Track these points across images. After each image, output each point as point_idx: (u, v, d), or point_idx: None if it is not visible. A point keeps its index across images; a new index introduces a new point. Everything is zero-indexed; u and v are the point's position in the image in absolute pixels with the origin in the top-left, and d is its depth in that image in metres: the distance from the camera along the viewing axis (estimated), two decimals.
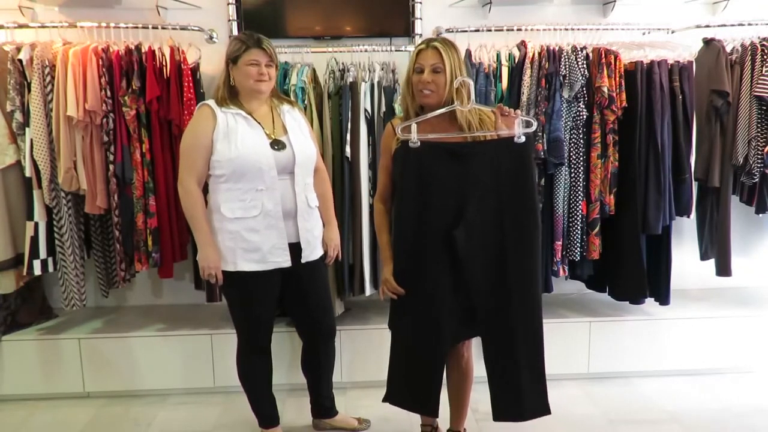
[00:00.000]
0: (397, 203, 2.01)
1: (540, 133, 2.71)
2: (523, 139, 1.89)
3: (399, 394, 2.12)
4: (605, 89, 2.70)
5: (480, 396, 2.41)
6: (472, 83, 1.93)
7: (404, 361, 2.06)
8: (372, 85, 2.78)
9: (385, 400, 2.14)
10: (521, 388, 1.99)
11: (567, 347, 2.93)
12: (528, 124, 1.92)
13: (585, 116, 2.77)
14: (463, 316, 2.00)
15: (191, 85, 2.72)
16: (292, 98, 2.69)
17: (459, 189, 1.90)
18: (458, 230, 1.89)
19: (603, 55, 2.73)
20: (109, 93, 2.65)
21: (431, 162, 1.90)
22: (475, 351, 2.23)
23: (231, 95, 2.19)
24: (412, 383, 2.07)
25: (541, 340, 2.01)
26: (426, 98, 1.92)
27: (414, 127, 1.89)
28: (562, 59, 2.74)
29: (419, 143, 1.88)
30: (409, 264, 1.97)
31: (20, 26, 2.79)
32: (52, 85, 2.62)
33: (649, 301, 2.94)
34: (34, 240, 2.68)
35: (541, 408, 2.05)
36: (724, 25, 2.94)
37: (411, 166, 1.92)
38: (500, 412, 2.04)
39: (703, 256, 3.12)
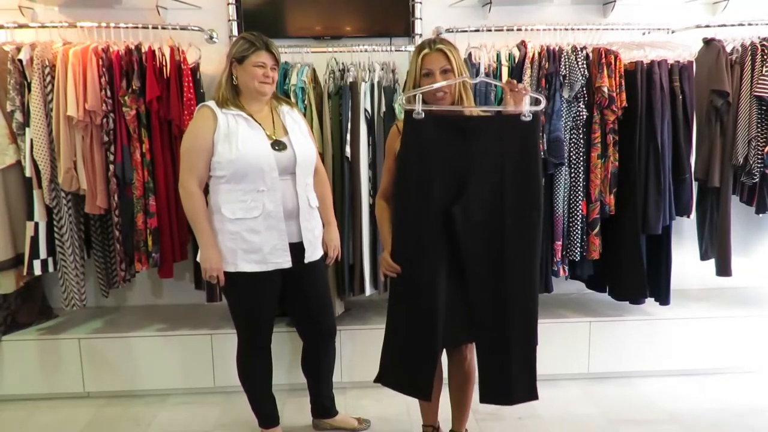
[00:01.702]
0: (397, 178, 1.96)
1: (540, 133, 2.71)
2: (530, 117, 1.86)
3: (391, 374, 2.06)
4: (605, 89, 2.70)
5: None
6: (471, 82, 1.96)
7: (400, 337, 2.01)
8: (372, 85, 2.78)
9: (377, 380, 2.09)
10: (511, 371, 1.95)
11: (567, 347, 2.93)
12: (537, 102, 1.88)
13: (585, 116, 2.77)
14: (463, 305, 1.96)
15: (191, 85, 2.72)
16: (292, 98, 2.69)
17: (462, 164, 1.87)
18: (456, 207, 1.87)
19: (603, 55, 2.73)
20: (109, 93, 2.65)
21: (435, 135, 1.86)
22: None
23: (233, 95, 2.19)
24: (406, 361, 2.01)
25: (534, 324, 1.96)
26: (440, 101, 1.92)
27: (419, 97, 1.85)
28: (562, 59, 2.74)
29: (423, 115, 1.85)
30: (408, 240, 1.93)
31: (20, 26, 2.79)
32: (52, 85, 2.62)
33: (649, 301, 2.94)
34: (34, 240, 2.68)
35: (530, 393, 2.00)
36: (724, 25, 2.94)
37: (413, 139, 1.88)
38: (488, 396, 2.00)
39: (703, 256, 3.12)
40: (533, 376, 2.00)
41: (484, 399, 2.00)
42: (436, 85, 1.88)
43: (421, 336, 1.97)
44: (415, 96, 1.86)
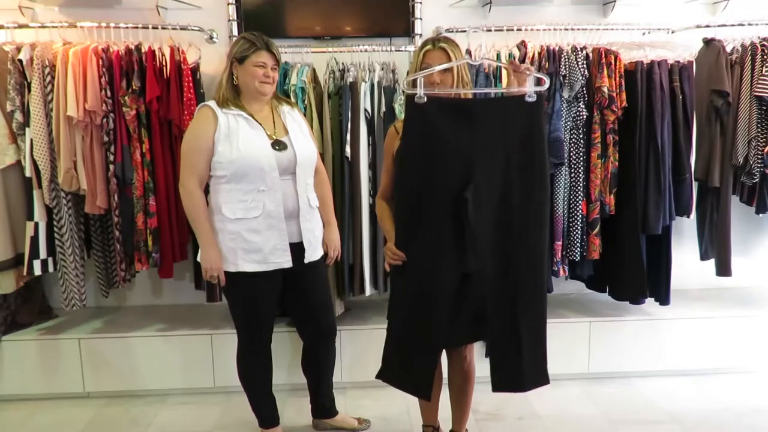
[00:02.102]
0: (401, 166, 1.93)
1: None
2: (534, 97, 1.83)
3: (392, 370, 2.04)
4: (605, 89, 2.70)
5: (480, 396, 2.42)
6: (473, 64, 1.95)
7: (400, 332, 1.99)
8: (372, 85, 2.78)
9: (378, 376, 2.07)
10: (522, 358, 1.93)
11: (567, 347, 2.93)
12: (540, 82, 1.85)
13: (585, 116, 2.77)
14: (465, 304, 1.95)
15: (191, 85, 2.72)
16: (292, 98, 2.69)
17: (467, 148, 1.83)
18: (468, 192, 1.82)
19: (603, 55, 2.73)
20: (109, 93, 2.65)
21: (437, 119, 1.83)
22: (477, 353, 2.23)
23: (233, 95, 2.19)
24: (406, 357, 1.99)
25: (544, 308, 1.94)
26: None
27: (420, 81, 1.81)
28: (562, 59, 2.74)
29: (425, 98, 1.81)
30: (411, 229, 1.91)
31: (20, 26, 2.79)
32: (52, 85, 2.62)
33: (649, 301, 2.94)
34: (34, 240, 2.68)
35: (541, 378, 1.98)
36: (724, 25, 2.94)
37: (415, 123, 1.84)
38: (500, 385, 1.97)
39: (703, 256, 3.12)
40: (544, 361, 1.98)
41: (496, 388, 1.97)
42: (437, 68, 1.87)
43: (421, 330, 1.95)
44: (416, 80, 1.82)
